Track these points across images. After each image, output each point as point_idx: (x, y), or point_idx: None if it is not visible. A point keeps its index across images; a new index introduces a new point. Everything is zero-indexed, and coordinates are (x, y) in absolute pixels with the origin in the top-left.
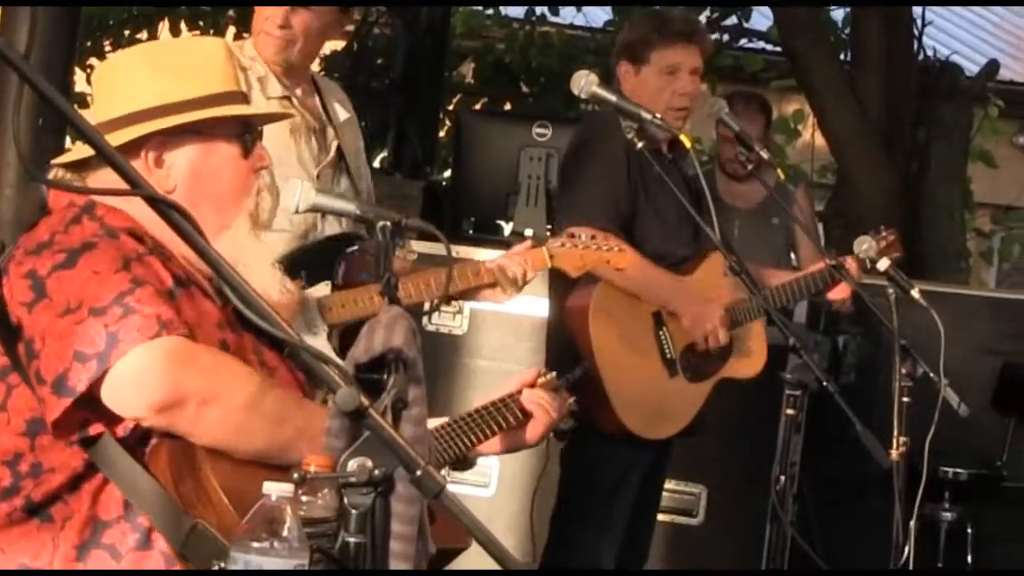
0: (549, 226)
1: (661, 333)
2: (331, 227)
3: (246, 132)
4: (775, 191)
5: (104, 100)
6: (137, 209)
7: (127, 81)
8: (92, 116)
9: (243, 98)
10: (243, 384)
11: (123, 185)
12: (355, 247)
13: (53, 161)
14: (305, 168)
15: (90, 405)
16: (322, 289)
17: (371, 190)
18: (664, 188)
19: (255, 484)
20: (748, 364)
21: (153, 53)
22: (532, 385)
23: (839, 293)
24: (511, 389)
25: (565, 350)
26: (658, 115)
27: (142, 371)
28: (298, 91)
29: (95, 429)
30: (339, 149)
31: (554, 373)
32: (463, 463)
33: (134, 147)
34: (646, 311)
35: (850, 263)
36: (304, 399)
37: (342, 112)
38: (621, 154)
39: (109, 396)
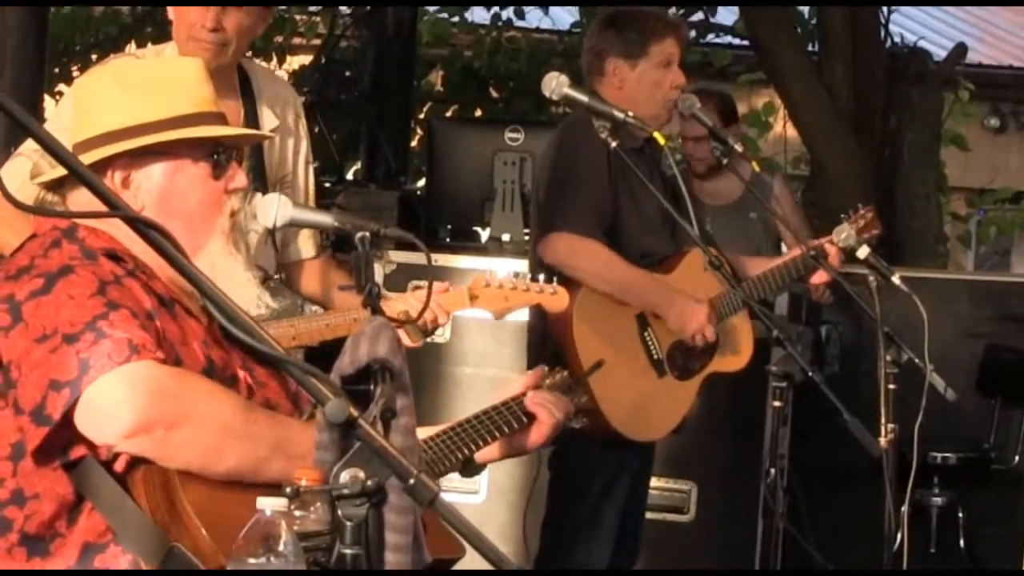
0: (527, 230)
1: (646, 334)
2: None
3: (216, 153)
4: (751, 185)
5: (76, 120)
6: (118, 229)
7: (97, 101)
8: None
9: (217, 118)
10: (213, 405)
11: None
12: None
13: (34, 181)
14: None
15: (71, 429)
16: None
17: (310, 196)
18: (644, 187)
19: (232, 505)
20: (735, 358)
21: (125, 72)
22: (537, 386)
23: (820, 278)
24: (516, 391)
25: (548, 356)
26: (631, 113)
27: (109, 399)
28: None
29: (77, 452)
30: (253, 169)
31: (566, 372)
32: (471, 467)
33: (102, 167)
34: (629, 314)
35: (829, 247)
36: (280, 416)
37: (270, 117)
38: (601, 156)
39: (81, 423)
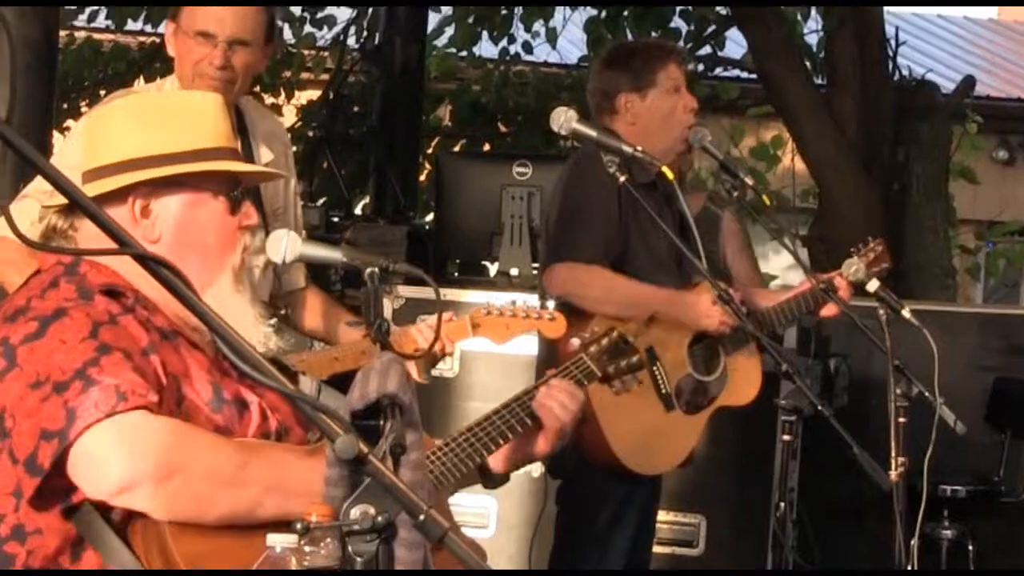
0: (535, 264)
1: (655, 368)
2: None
3: (233, 189)
4: (700, 216)
5: (92, 149)
6: (122, 263)
7: (116, 131)
8: (82, 165)
9: (233, 154)
10: (202, 454)
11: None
12: None
13: (43, 204)
14: None
15: (67, 476)
16: None
17: (299, 230)
18: (653, 222)
19: (227, 552)
20: (743, 391)
21: (143, 105)
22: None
23: (829, 311)
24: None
25: None
26: (640, 148)
27: (96, 455)
28: None
29: (78, 497)
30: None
31: (615, 332)
32: (494, 479)
33: (121, 195)
34: (638, 347)
35: (839, 281)
36: (277, 453)
37: (265, 153)
38: (609, 190)
39: (73, 476)
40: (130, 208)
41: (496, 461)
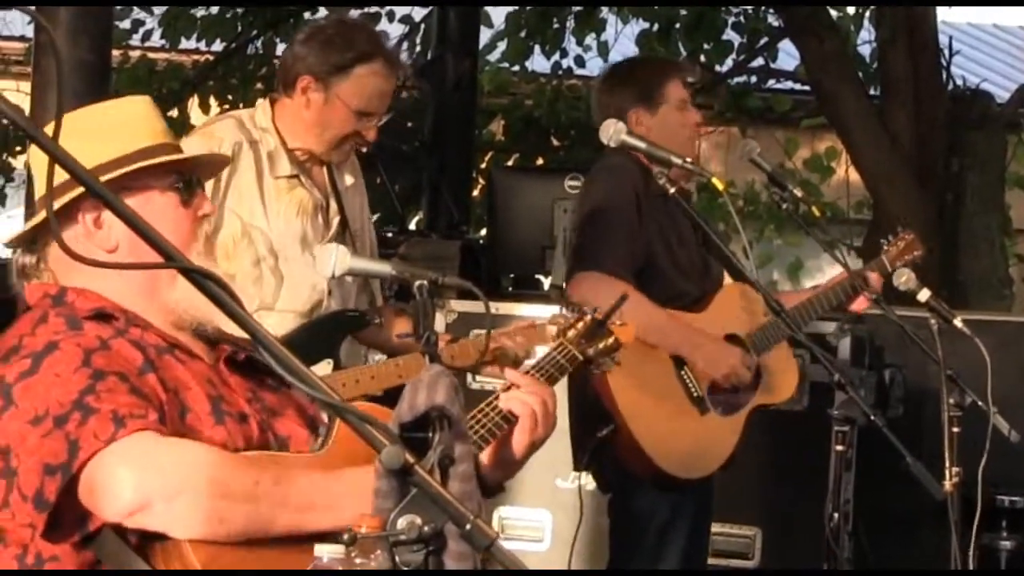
0: None
1: (683, 373)
2: (335, 305)
3: (180, 181)
4: None
5: (39, 177)
6: (107, 283)
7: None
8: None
9: (173, 149)
10: (208, 471)
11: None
12: (352, 324)
13: (4, 242)
14: (308, 248)
15: (81, 506)
16: (323, 368)
17: (374, 249)
18: (675, 229)
19: (247, 566)
20: (779, 389)
21: (75, 121)
22: (511, 385)
23: (860, 305)
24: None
25: (588, 401)
26: (688, 159)
27: (104, 481)
28: (311, 166)
29: (95, 524)
30: (341, 223)
31: (589, 315)
32: (487, 490)
33: (72, 214)
34: (664, 354)
35: (870, 273)
36: (283, 466)
37: (348, 177)
38: (632, 200)
39: (86, 504)
40: (82, 223)
41: (489, 463)
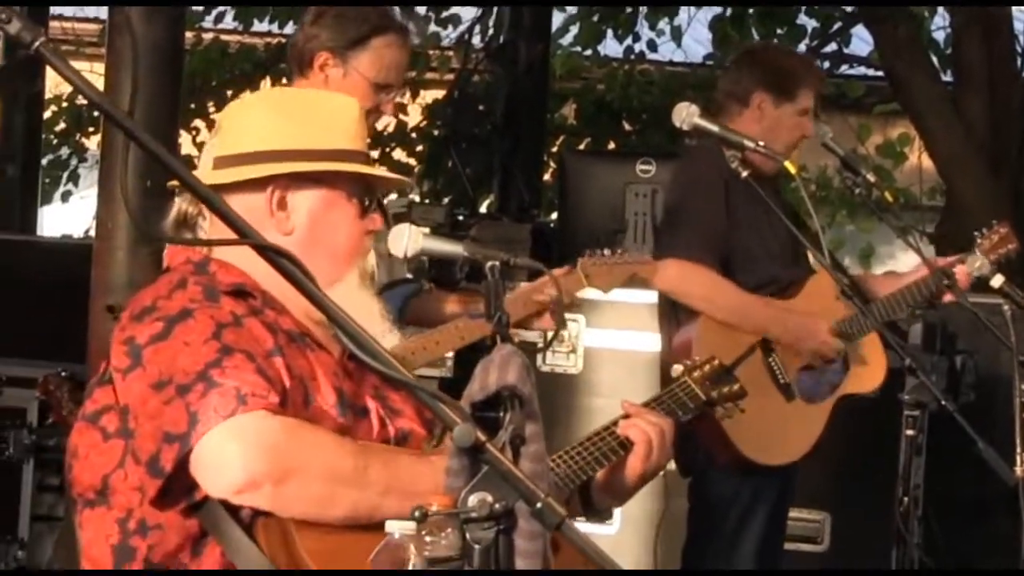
0: None
1: (771, 359)
2: (382, 277)
3: (364, 193)
4: None
5: (232, 135)
6: (252, 263)
7: (256, 121)
8: (216, 149)
9: (368, 160)
10: (321, 455)
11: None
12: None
13: (171, 185)
14: None
15: (191, 475)
16: (391, 340)
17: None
18: (766, 215)
19: (351, 549)
20: (867, 378)
21: (285, 99)
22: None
23: (949, 300)
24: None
25: None
26: (762, 143)
27: (217, 455)
28: None
29: (202, 493)
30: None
31: (716, 360)
32: (595, 512)
33: (260, 185)
34: (751, 340)
35: (959, 268)
36: (396, 455)
37: None
38: (719, 186)
39: (195, 476)
40: (268, 198)
41: (598, 490)
